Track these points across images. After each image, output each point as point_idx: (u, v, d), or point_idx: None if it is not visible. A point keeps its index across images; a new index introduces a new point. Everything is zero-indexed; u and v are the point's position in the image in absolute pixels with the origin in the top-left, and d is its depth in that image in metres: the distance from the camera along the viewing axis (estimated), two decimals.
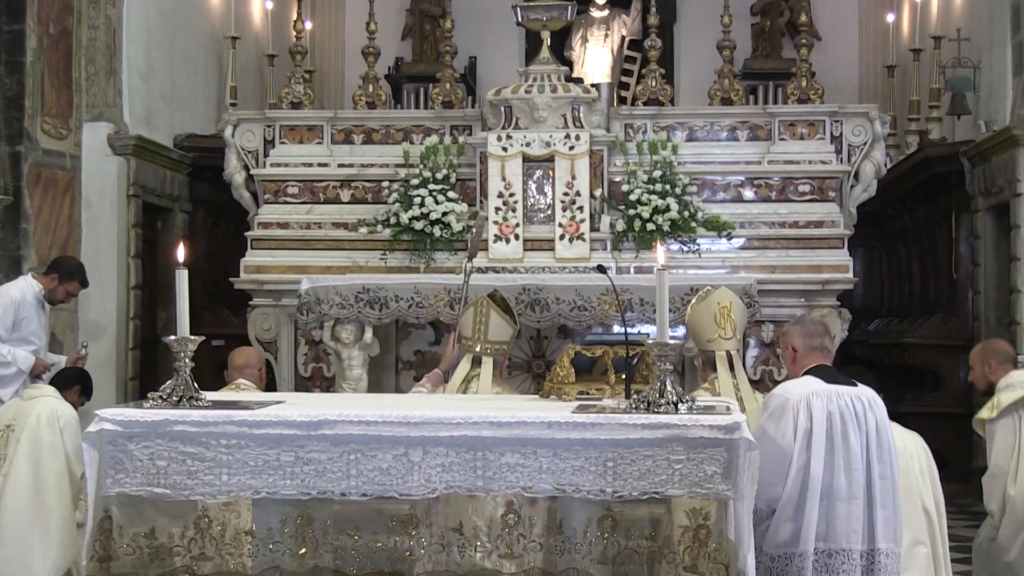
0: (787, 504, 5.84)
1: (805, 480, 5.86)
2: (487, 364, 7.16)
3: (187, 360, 5.77)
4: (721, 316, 6.90)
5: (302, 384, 10.55)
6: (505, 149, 10.49)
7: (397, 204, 10.64)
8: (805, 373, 6.34)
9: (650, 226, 10.26)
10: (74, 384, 8.46)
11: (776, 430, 6.01)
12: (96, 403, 8.61)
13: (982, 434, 7.89)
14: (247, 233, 11.20)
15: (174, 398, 5.64)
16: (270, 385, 9.81)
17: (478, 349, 7.31)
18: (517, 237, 10.33)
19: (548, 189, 10.47)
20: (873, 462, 6.02)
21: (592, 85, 12.10)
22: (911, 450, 6.78)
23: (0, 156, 11.37)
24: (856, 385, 6.24)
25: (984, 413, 7.71)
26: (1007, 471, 7.56)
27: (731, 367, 6.77)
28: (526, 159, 10.47)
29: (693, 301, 7.13)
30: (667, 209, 10.21)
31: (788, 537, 5.79)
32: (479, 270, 9.62)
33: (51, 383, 8.45)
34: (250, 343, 10.46)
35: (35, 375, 9.47)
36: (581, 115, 10.58)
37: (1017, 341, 12.03)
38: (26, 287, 9.68)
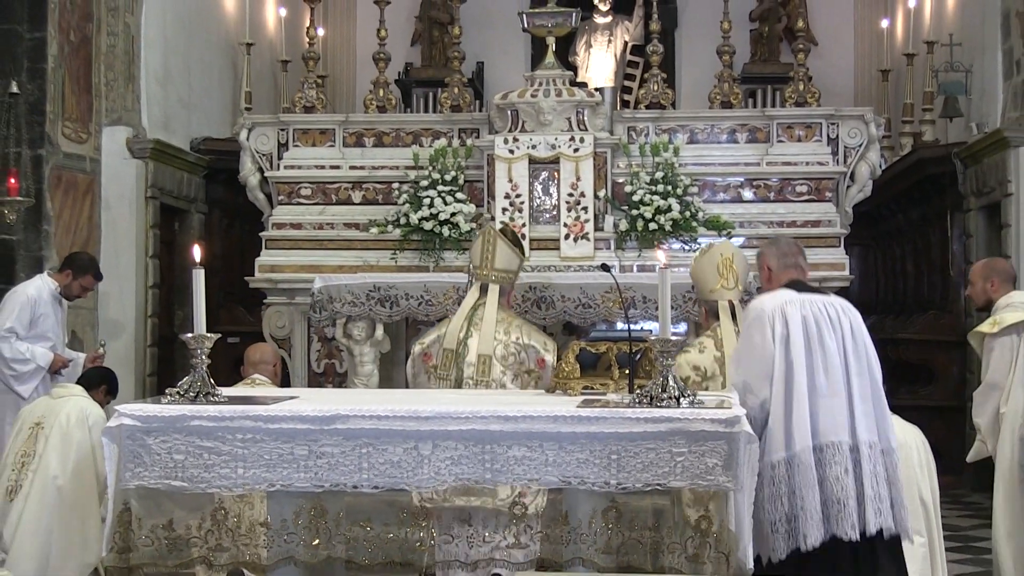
0: (777, 407, 5.81)
1: (789, 382, 5.83)
2: (493, 291, 7.15)
3: (204, 357, 5.77)
4: (724, 267, 6.98)
5: (315, 380, 10.55)
6: (512, 151, 10.47)
7: (407, 205, 10.63)
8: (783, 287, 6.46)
9: (652, 226, 10.24)
10: (100, 384, 8.40)
11: (757, 337, 5.99)
12: (116, 399, 8.61)
13: (977, 348, 7.87)
14: (262, 233, 11.19)
15: (191, 394, 5.64)
16: (285, 381, 9.80)
17: (485, 275, 7.34)
18: (524, 237, 10.31)
19: (553, 190, 10.45)
20: (850, 361, 6.02)
21: (596, 89, 12.06)
22: (910, 442, 6.79)
23: (22, 159, 11.37)
24: (829, 295, 6.31)
25: (985, 327, 7.69)
26: (1002, 386, 7.51)
27: (733, 316, 6.80)
28: (532, 161, 10.46)
29: (696, 254, 7.24)
30: (669, 209, 10.19)
31: (783, 439, 5.73)
32: None
33: (78, 382, 8.41)
34: (265, 340, 10.45)
35: (53, 371, 9.45)
36: (585, 118, 10.57)
37: None
38: (42, 285, 9.63)
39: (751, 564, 5.31)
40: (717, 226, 10.42)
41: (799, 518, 5.57)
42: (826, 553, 5.59)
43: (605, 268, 7.54)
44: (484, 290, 7.23)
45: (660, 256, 5.78)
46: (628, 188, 10.49)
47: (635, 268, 10.33)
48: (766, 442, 5.74)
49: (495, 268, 7.44)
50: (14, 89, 10.99)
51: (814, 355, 5.89)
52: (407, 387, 7.61)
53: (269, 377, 7.87)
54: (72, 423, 7.77)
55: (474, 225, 10.44)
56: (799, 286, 6.20)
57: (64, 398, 7.96)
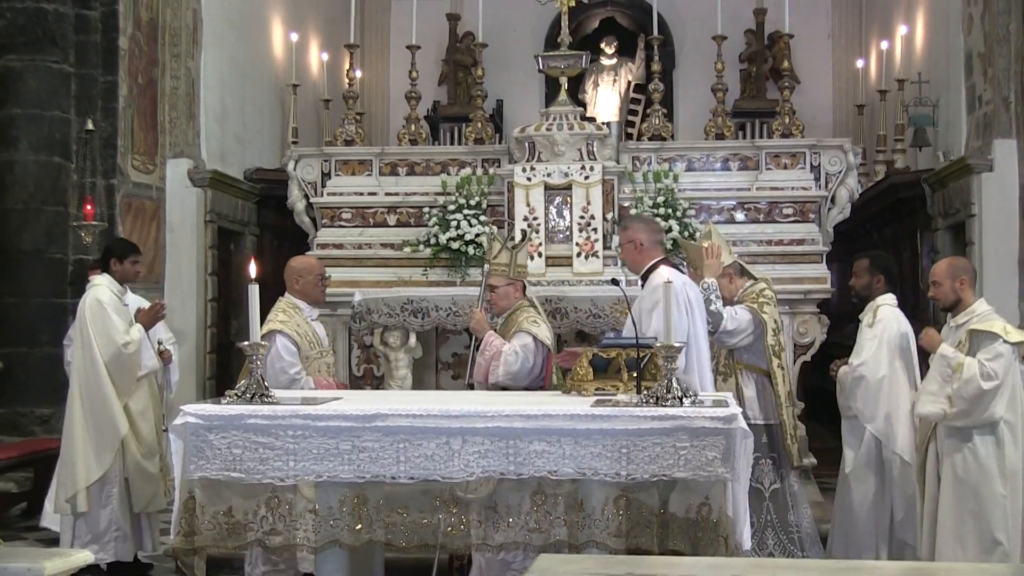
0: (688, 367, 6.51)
1: (690, 350, 6.50)
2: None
3: (259, 362, 5.78)
4: (725, 240, 7.74)
5: (355, 383, 10.54)
6: (529, 179, 10.47)
7: (436, 227, 10.63)
8: (657, 263, 6.81)
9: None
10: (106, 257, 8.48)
11: (679, 308, 6.39)
12: (179, 400, 8.60)
13: (964, 340, 6.85)
14: (307, 253, 11.18)
15: (248, 395, 5.65)
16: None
17: (512, 272, 7.49)
18: (540, 255, 10.30)
19: (566, 213, 10.44)
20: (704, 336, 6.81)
21: (603, 123, 12.04)
22: None
23: (97, 188, 11.42)
24: (684, 271, 7.06)
25: (1000, 331, 6.75)
26: (1000, 388, 6.72)
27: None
28: (547, 187, 10.45)
29: (701, 239, 7.41)
30: (669, 230, 10.16)
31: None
32: None
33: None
34: None
35: (150, 327, 8.51)
36: (595, 149, 10.55)
37: None
38: (103, 289, 8.39)
39: (747, 546, 5.30)
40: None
41: None
42: None
43: (614, 282, 7.54)
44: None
45: (664, 272, 5.77)
46: (633, 211, 10.46)
47: (640, 282, 10.29)
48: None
49: (519, 265, 7.51)
50: (90, 126, 11.05)
51: (697, 334, 6.58)
52: (437, 389, 7.65)
53: (310, 293, 7.58)
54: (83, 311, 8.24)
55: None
56: (676, 266, 6.82)
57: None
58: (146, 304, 8.74)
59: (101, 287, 8.34)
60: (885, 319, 7.43)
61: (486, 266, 7.79)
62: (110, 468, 8.05)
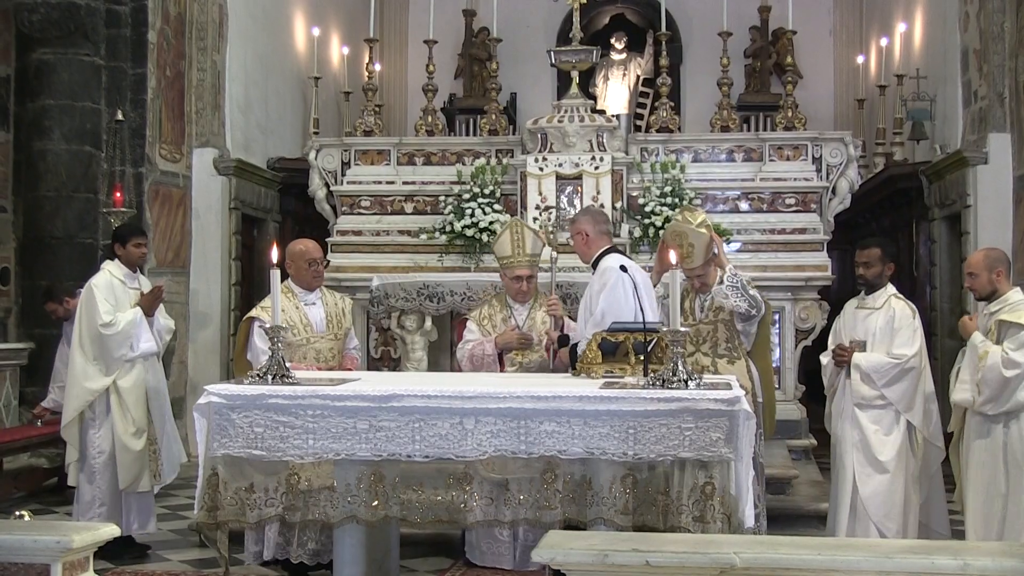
0: None
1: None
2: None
3: (280, 345, 5.75)
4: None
5: (373, 364, 10.52)
6: (541, 169, 10.43)
7: (452, 215, 10.59)
8: (605, 252, 6.93)
9: (662, 233, 10.17)
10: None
11: (624, 292, 6.59)
12: (203, 380, 8.62)
13: (995, 329, 6.80)
14: (327, 239, 11.15)
15: (269, 376, 5.63)
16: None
17: (521, 262, 7.47)
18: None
19: (577, 202, 10.39)
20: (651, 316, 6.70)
21: (613, 116, 11.99)
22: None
23: (126, 176, 11.42)
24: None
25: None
26: None
27: None
28: (559, 177, 10.41)
29: (684, 222, 7.36)
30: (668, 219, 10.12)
31: None
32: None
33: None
34: None
35: (150, 311, 8.21)
36: (604, 141, 10.51)
37: None
38: (104, 274, 8.21)
39: (750, 523, 5.27)
40: (718, 233, 10.33)
41: None
42: None
43: (623, 269, 7.48)
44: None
45: (671, 257, 5.73)
46: (641, 200, 10.43)
47: (648, 269, 10.26)
48: None
49: (527, 253, 7.46)
50: (119, 117, 11.05)
51: (648, 304, 6.56)
52: (452, 371, 7.64)
53: (300, 278, 7.35)
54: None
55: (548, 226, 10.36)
56: (623, 254, 6.89)
57: None
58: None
59: (103, 272, 8.23)
60: (909, 310, 7.34)
61: (554, 254, 7.81)
62: (89, 445, 8.02)
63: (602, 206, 10.27)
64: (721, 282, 7.17)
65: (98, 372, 8.03)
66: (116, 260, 8.29)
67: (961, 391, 6.83)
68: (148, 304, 8.16)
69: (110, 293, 8.07)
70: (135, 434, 8.05)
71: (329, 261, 9.51)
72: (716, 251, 7.26)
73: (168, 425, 8.42)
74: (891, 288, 7.47)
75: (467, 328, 7.65)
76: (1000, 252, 7.12)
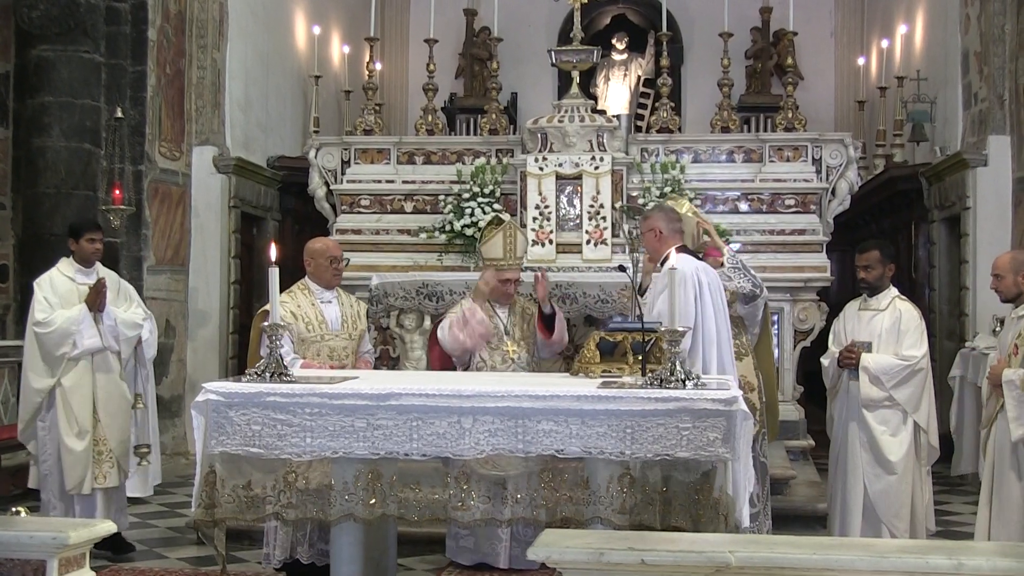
0: (695, 348, 6.56)
1: (696, 332, 6.56)
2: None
3: (279, 343, 5.77)
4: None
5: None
6: (541, 169, 10.43)
7: (451, 214, 10.59)
8: (676, 251, 6.73)
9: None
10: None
11: (684, 293, 6.47)
12: (202, 378, 8.60)
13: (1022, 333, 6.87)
14: (329, 238, 11.18)
15: (267, 374, 5.64)
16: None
17: (512, 264, 7.64)
18: (551, 242, 10.27)
19: (577, 202, 10.40)
20: (719, 315, 6.73)
21: (613, 116, 11.98)
22: None
23: (125, 174, 11.42)
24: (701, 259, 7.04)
25: None
26: None
27: None
28: (559, 177, 10.41)
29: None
30: None
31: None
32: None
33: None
34: None
35: (94, 307, 7.91)
36: (604, 141, 10.51)
37: (965, 330, 11.94)
38: (51, 272, 8.08)
39: (746, 523, 5.28)
40: (718, 234, 10.35)
41: None
42: None
43: (621, 269, 7.49)
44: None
45: (671, 258, 5.73)
46: (641, 200, 10.43)
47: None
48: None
49: (516, 256, 7.51)
50: (119, 114, 11.03)
51: (708, 309, 6.54)
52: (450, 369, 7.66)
53: (320, 275, 7.34)
54: None
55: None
56: (692, 252, 6.83)
57: None
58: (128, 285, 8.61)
59: (52, 270, 8.05)
60: (916, 312, 7.38)
61: (639, 254, 7.86)
62: (38, 449, 7.93)
63: (602, 206, 10.28)
64: (722, 266, 7.23)
65: (43, 372, 7.83)
66: (70, 257, 8.08)
67: (1020, 428, 6.66)
68: (91, 299, 7.87)
69: (51, 291, 7.88)
70: (78, 435, 7.85)
71: (349, 260, 9.52)
72: (708, 237, 7.34)
73: (153, 436, 8.34)
74: (894, 290, 7.50)
75: (446, 317, 7.72)
76: None
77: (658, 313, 6.34)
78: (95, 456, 7.91)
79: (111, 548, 7.87)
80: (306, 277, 7.40)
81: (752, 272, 7.33)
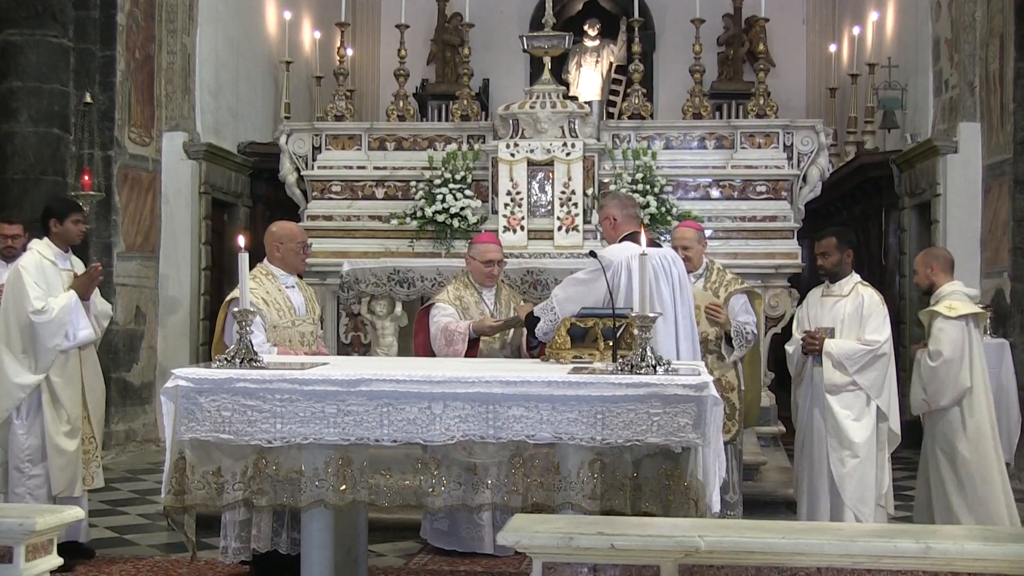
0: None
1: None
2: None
3: (249, 328, 5.75)
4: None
5: (343, 349, 10.50)
6: (513, 155, 10.43)
7: (423, 200, 10.59)
8: (622, 239, 6.77)
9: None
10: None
11: (593, 283, 6.46)
12: (172, 365, 8.54)
13: (927, 324, 7.46)
14: (299, 224, 11.14)
15: (237, 360, 5.62)
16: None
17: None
18: (523, 228, 10.28)
19: (548, 188, 10.41)
20: (678, 306, 6.59)
21: (585, 102, 11.99)
22: None
23: (95, 160, 11.36)
24: (662, 246, 6.89)
25: (942, 309, 7.28)
26: (960, 360, 7.21)
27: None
28: (530, 163, 10.41)
29: None
30: (647, 205, 10.14)
31: None
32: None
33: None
34: None
35: (83, 296, 7.38)
36: (576, 127, 10.52)
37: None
38: (32, 254, 7.40)
39: (716, 508, 5.30)
40: (690, 219, 10.37)
41: None
42: None
43: (592, 255, 7.49)
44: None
45: (642, 243, 5.73)
46: (613, 187, 10.44)
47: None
48: None
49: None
50: (88, 99, 10.99)
51: (653, 302, 6.13)
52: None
53: (290, 260, 7.12)
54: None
55: (480, 218, 10.42)
56: (637, 238, 6.50)
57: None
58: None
59: (31, 252, 7.37)
60: (878, 297, 7.48)
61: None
62: (13, 446, 7.18)
63: (573, 193, 10.29)
64: (729, 342, 7.61)
65: (30, 366, 7.21)
66: (46, 239, 7.44)
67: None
68: (84, 286, 7.37)
69: (40, 276, 7.26)
70: (68, 434, 7.31)
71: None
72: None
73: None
74: (856, 276, 7.56)
75: (439, 306, 7.69)
76: (940, 251, 8.08)
77: (553, 295, 6.60)
78: (82, 456, 7.40)
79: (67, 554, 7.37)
80: (266, 262, 7.13)
81: (746, 334, 7.68)
